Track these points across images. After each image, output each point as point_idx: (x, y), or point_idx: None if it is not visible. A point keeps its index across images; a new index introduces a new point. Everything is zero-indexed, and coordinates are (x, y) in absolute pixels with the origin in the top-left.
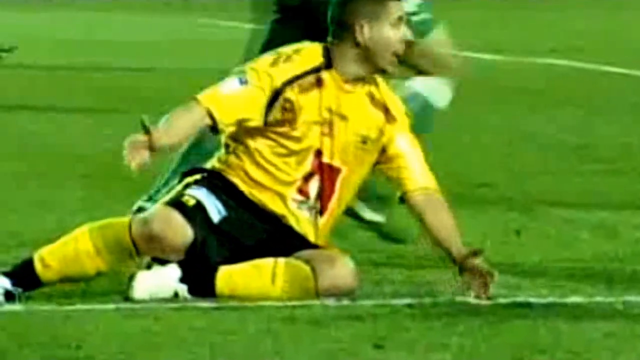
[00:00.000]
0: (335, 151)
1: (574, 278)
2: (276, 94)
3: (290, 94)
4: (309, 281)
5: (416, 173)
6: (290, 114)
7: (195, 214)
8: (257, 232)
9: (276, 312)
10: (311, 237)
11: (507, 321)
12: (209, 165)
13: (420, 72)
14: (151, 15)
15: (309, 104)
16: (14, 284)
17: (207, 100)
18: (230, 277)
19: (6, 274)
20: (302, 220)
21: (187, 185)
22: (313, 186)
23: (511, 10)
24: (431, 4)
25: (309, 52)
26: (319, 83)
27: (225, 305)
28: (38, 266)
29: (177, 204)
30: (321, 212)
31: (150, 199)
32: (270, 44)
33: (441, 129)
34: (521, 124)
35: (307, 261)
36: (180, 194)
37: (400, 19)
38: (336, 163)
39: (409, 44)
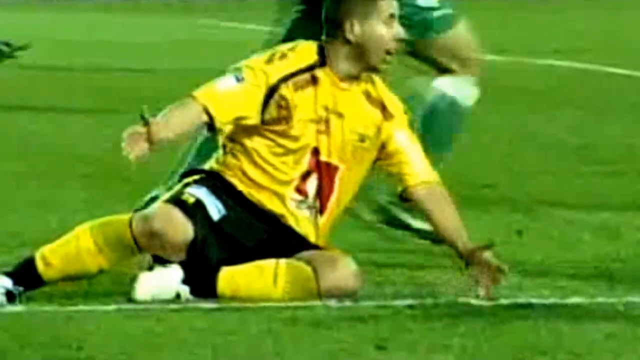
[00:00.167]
0: (332, 149)
1: (575, 279)
2: (271, 91)
3: (285, 91)
4: (310, 282)
5: (417, 168)
6: (285, 112)
7: (195, 211)
8: (257, 232)
9: (278, 313)
10: (311, 237)
11: (509, 322)
12: (207, 166)
13: (442, 69)
14: (151, 16)
15: (304, 102)
16: (15, 283)
17: (204, 97)
18: (232, 278)
19: (7, 274)
20: (301, 220)
21: (187, 185)
22: (311, 185)
23: (512, 10)
24: (452, 0)
25: (304, 50)
26: (313, 81)
27: (227, 306)
28: (39, 265)
29: (177, 201)
30: (321, 211)
31: (170, 188)
32: (290, 40)
33: None
34: (522, 125)
35: (309, 262)
36: (180, 192)
37: (392, 16)
38: (334, 161)
39: (413, 43)
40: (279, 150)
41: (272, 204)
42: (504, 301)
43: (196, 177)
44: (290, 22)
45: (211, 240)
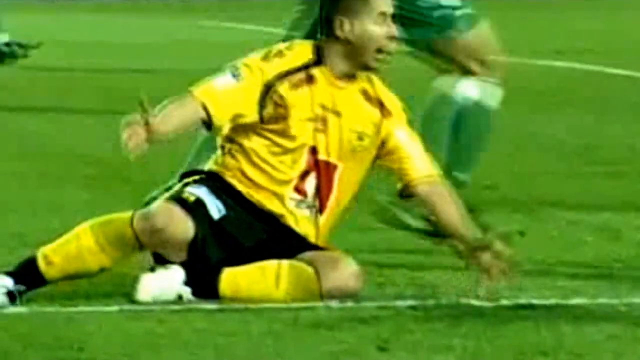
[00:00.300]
0: (330, 148)
1: (577, 280)
2: (267, 88)
3: (281, 89)
4: (312, 283)
5: (418, 163)
6: (282, 110)
7: (196, 209)
8: (256, 232)
9: (279, 314)
10: (311, 236)
11: (510, 323)
12: (206, 167)
13: (465, 70)
14: (152, 16)
15: (300, 101)
16: (16, 282)
17: (202, 95)
18: (234, 279)
19: (8, 273)
20: (301, 220)
21: (186, 184)
22: (310, 184)
23: (512, 10)
24: (473, 1)
25: (300, 49)
26: (309, 79)
27: (229, 307)
28: (41, 264)
29: (178, 199)
30: (320, 210)
31: (169, 188)
32: (290, 39)
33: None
34: (523, 125)
35: (311, 263)
36: (180, 191)
37: (383, 14)
38: (332, 160)
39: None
40: (277, 149)
41: (271, 204)
42: (505, 302)
43: (196, 177)
44: (290, 22)
45: (211, 240)
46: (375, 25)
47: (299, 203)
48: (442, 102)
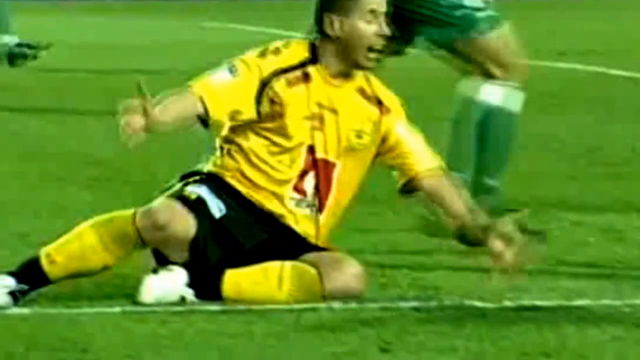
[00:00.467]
0: (328, 146)
1: (580, 281)
2: (264, 85)
3: (276, 85)
4: (315, 284)
5: (420, 157)
6: (278, 107)
7: (197, 207)
8: (257, 232)
9: (282, 316)
10: (312, 236)
11: (514, 324)
12: (205, 169)
13: (485, 73)
14: (154, 17)
15: (296, 99)
16: (19, 282)
17: (200, 88)
18: (236, 280)
19: (11, 273)
20: (301, 219)
21: (187, 184)
22: (309, 183)
23: (516, 12)
24: (496, 4)
25: (297, 47)
26: (305, 78)
27: (232, 308)
28: (44, 263)
29: (179, 197)
30: (320, 209)
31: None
32: None
33: (449, 132)
34: (528, 127)
35: (313, 264)
36: (181, 190)
37: (373, 12)
38: (330, 158)
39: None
40: (275, 149)
41: (271, 204)
42: (509, 303)
43: (196, 177)
44: (309, 26)
45: (211, 239)
46: (365, 23)
47: (298, 202)
48: (467, 107)
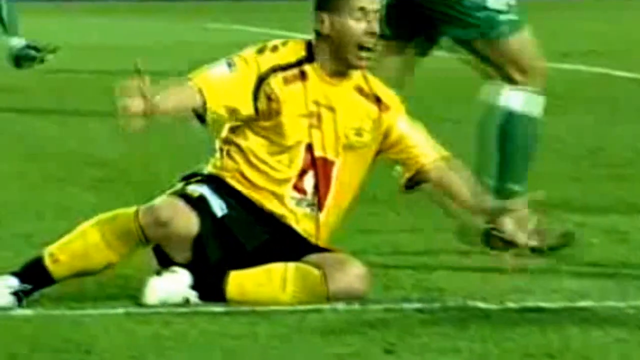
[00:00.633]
0: (326, 144)
1: (584, 282)
2: (261, 80)
3: (274, 83)
4: (319, 285)
5: (425, 149)
6: (275, 104)
7: (199, 205)
8: (258, 233)
9: (286, 317)
10: (312, 235)
11: (517, 325)
12: (205, 171)
13: (505, 76)
14: (157, 18)
15: (293, 97)
16: (23, 282)
17: (199, 80)
18: (241, 282)
19: (14, 274)
20: (301, 219)
21: (188, 184)
22: (308, 182)
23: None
24: (519, 8)
25: (294, 46)
26: (302, 76)
27: (235, 310)
28: (48, 262)
29: (181, 195)
30: (320, 207)
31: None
32: None
33: (451, 133)
34: None
35: (318, 265)
36: (183, 189)
37: (362, 10)
38: (329, 156)
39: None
40: (274, 148)
41: (271, 204)
42: (512, 304)
43: (197, 178)
44: None
45: (213, 238)
46: (354, 21)
47: (299, 202)
48: (489, 112)
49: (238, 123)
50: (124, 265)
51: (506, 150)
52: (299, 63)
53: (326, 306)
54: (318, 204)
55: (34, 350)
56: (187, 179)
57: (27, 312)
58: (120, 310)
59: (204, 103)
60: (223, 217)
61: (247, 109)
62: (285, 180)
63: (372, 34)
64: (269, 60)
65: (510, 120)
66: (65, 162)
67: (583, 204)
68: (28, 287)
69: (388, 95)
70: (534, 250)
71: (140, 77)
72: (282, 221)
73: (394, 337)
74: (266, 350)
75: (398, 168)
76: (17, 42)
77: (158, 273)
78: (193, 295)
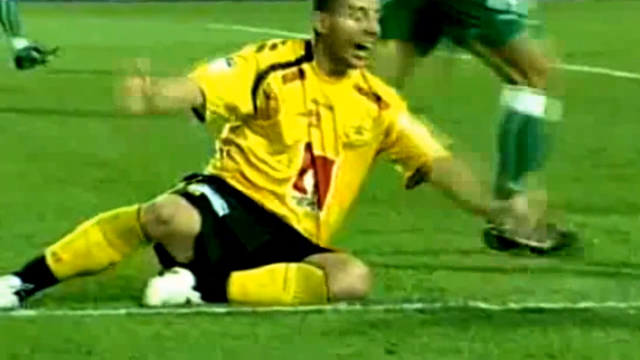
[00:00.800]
0: (325, 142)
1: (585, 283)
2: (260, 77)
3: (272, 80)
4: (321, 286)
5: (427, 146)
6: (273, 103)
7: (201, 203)
8: (259, 234)
9: (288, 318)
10: (313, 234)
11: (518, 326)
12: (205, 172)
13: (522, 79)
14: (159, 19)
15: (291, 95)
16: (25, 281)
17: (199, 76)
18: (243, 282)
19: (16, 274)
20: (302, 218)
21: (189, 184)
22: (308, 181)
23: None
24: (542, 14)
25: (293, 45)
26: (300, 75)
27: (237, 310)
28: (50, 262)
29: (183, 193)
30: (319, 206)
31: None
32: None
33: (453, 134)
34: None
35: (319, 265)
36: (185, 187)
37: (361, 9)
38: (329, 155)
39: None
40: (273, 148)
41: (272, 204)
42: (513, 305)
43: (199, 178)
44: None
45: (215, 237)
46: (351, 20)
47: (299, 201)
48: (507, 115)
49: (238, 123)
50: (126, 266)
51: (504, 149)
52: (297, 62)
53: (328, 307)
54: (318, 203)
55: (35, 351)
56: (189, 179)
57: (29, 312)
58: (122, 311)
59: (204, 98)
60: (224, 216)
61: (246, 107)
62: (285, 180)
63: (371, 33)
64: (268, 58)
65: (508, 119)
66: (66, 162)
67: (584, 204)
68: (30, 286)
69: (388, 93)
70: (533, 250)
71: (141, 76)
72: (283, 221)
73: (395, 338)
74: (267, 351)
75: (398, 168)
76: (19, 42)
77: (160, 274)
78: (195, 296)
